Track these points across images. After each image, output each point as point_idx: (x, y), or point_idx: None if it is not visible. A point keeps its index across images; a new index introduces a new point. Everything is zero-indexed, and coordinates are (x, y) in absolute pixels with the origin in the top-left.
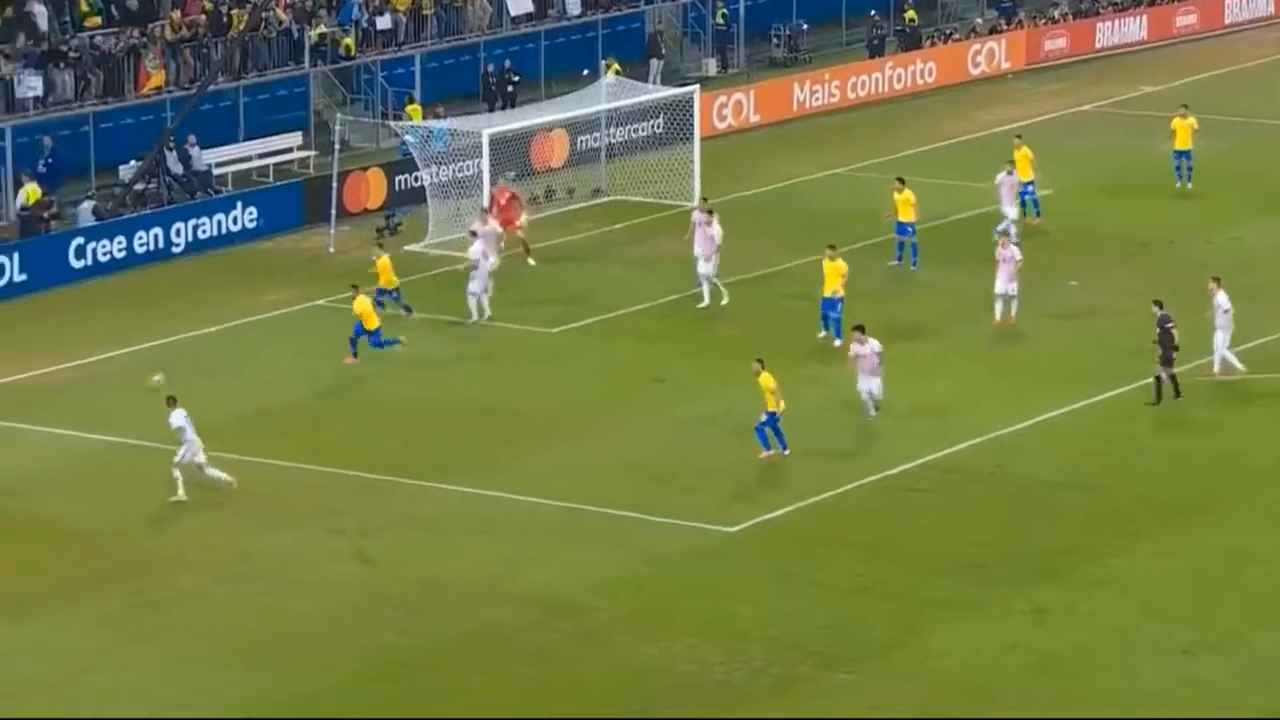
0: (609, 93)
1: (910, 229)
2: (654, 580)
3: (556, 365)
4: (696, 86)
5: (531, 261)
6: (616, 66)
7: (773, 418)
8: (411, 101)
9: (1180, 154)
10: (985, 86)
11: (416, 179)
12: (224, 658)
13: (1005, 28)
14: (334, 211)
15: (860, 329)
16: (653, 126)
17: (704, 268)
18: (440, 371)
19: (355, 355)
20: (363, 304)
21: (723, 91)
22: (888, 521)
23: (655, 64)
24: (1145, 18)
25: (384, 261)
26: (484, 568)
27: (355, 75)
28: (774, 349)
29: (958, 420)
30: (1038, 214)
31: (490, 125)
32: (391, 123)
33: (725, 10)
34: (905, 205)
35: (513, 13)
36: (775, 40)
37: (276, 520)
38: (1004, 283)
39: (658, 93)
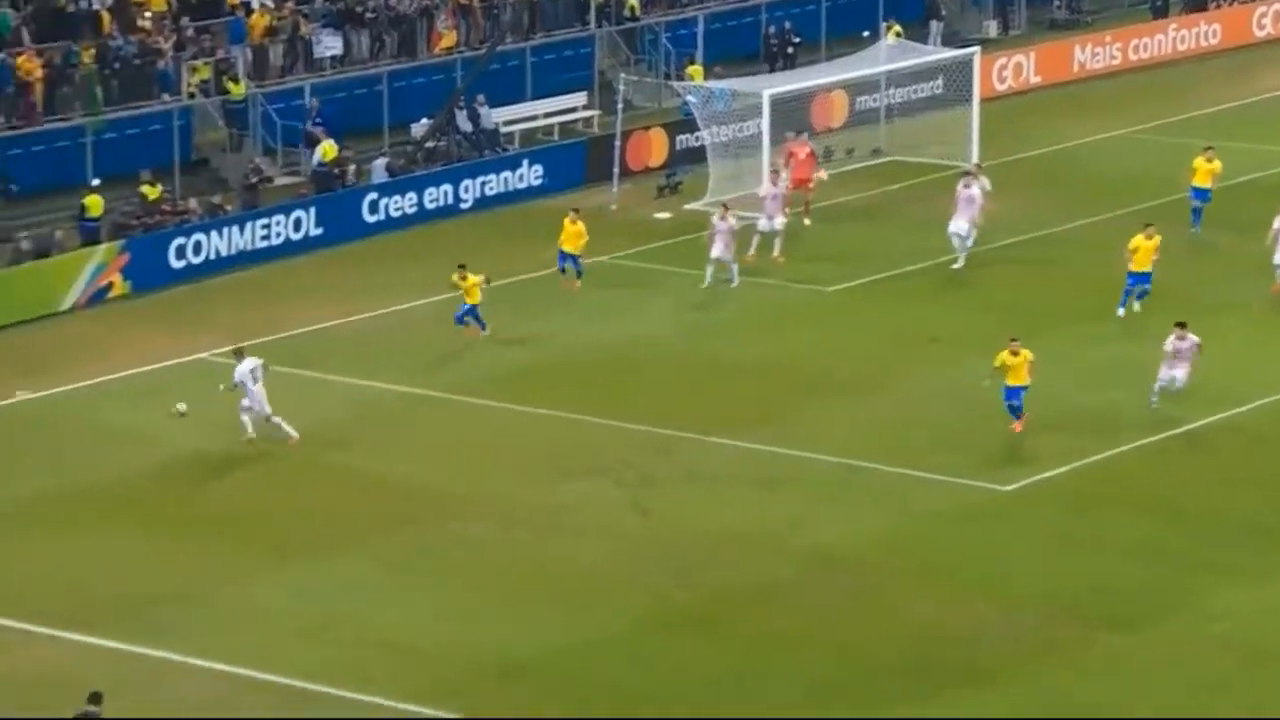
0: (889, 54)
1: (1208, 195)
2: (929, 537)
3: (833, 323)
4: (977, 48)
5: (808, 221)
6: (898, 29)
7: (1011, 392)
8: (693, 62)
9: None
10: (1271, 49)
11: (697, 138)
12: (501, 604)
13: None
14: (616, 170)
15: (1182, 325)
16: (932, 88)
17: (955, 226)
18: (722, 327)
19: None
20: (470, 282)
21: (1003, 53)
22: (1167, 483)
23: (935, 25)
24: None
25: (473, 280)
26: (762, 522)
27: (639, 36)
28: (1045, 313)
29: (1242, 380)
30: None
31: (771, 86)
32: (674, 83)
33: None
34: (1206, 174)
35: None
36: (1057, 2)
37: (559, 470)
38: None
39: (938, 54)
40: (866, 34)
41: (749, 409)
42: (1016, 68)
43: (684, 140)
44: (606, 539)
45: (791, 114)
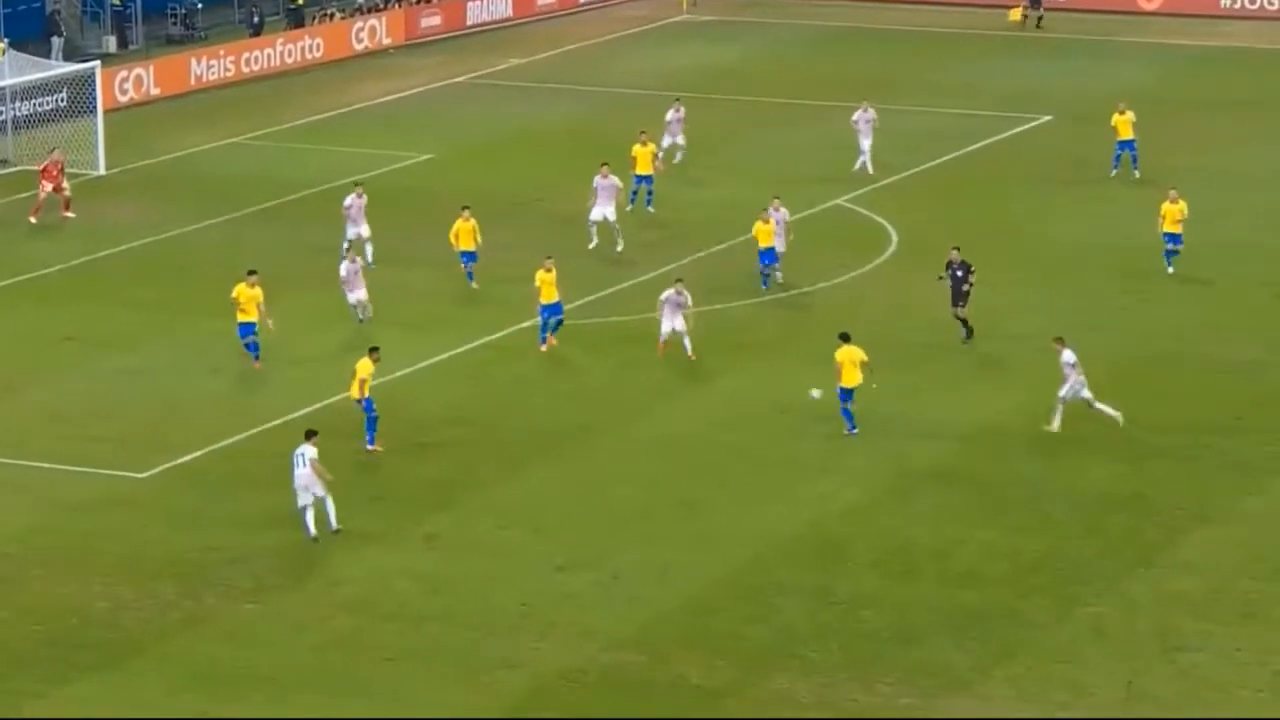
0: (12, 68)
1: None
2: (69, 526)
3: None
4: (97, 63)
5: (70, 214)
6: (2, 46)
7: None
8: None
9: (1123, 144)
10: (369, 61)
11: None
12: None
13: (384, 6)
14: None
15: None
16: (57, 100)
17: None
18: None
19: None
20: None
21: (124, 66)
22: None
23: (57, 41)
24: None
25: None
26: None
27: None
28: (181, 308)
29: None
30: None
31: None
32: None
33: None
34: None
35: None
36: (172, 18)
37: None
38: None
39: (60, 68)
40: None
41: None
42: (137, 80)
43: None
44: None
45: None
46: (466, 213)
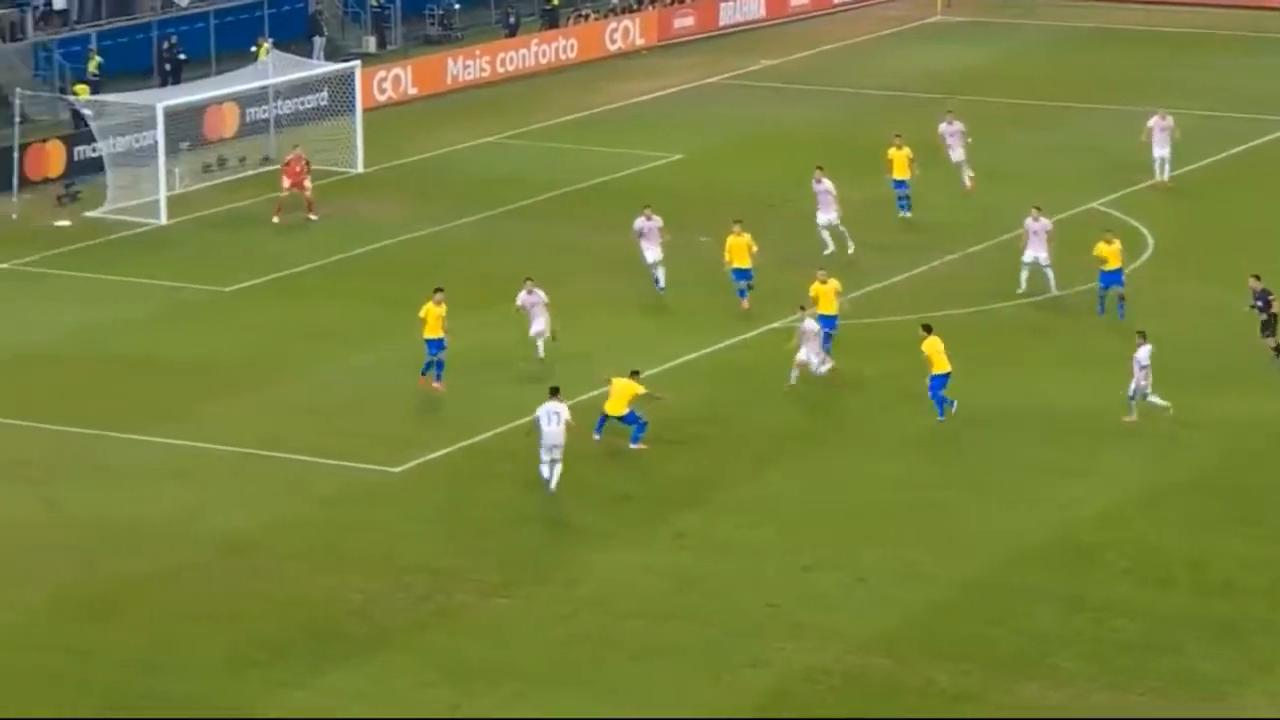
0: (275, 68)
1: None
2: (325, 519)
3: (232, 321)
4: (357, 62)
5: (314, 217)
6: (266, 46)
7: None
8: (81, 80)
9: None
10: (621, 61)
11: (95, 149)
12: None
13: (637, 8)
14: (15, 180)
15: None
16: (318, 99)
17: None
18: (124, 328)
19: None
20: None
21: (382, 66)
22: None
23: (318, 41)
24: None
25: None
26: (167, 512)
27: (33, 53)
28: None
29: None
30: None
31: (163, 99)
32: (70, 97)
33: None
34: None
35: (180, 4)
36: (430, 19)
37: None
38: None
39: (321, 68)
40: (253, 49)
41: (154, 404)
42: (395, 80)
43: (82, 151)
44: (11, 534)
45: (185, 125)
46: (738, 227)
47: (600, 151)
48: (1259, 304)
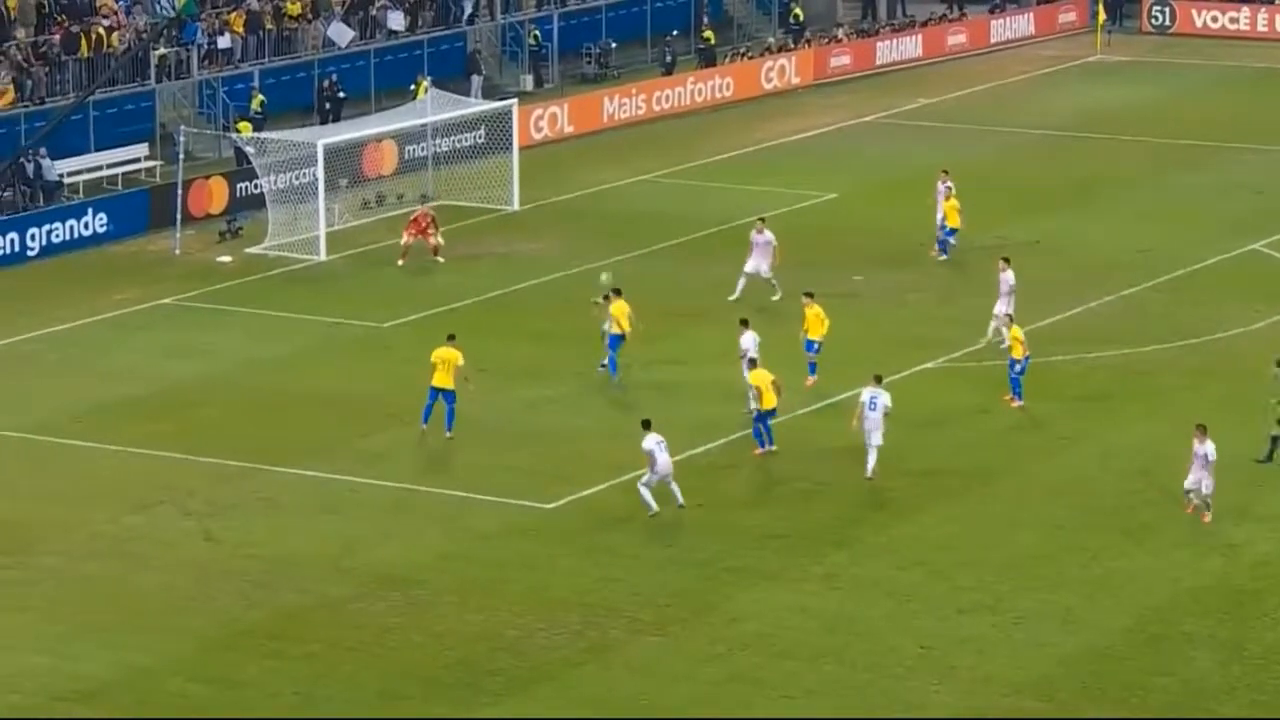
0: (434, 106)
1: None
2: (478, 555)
3: (390, 356)
4: (514, 100)
5: (440, 259)
6: (425, 84)
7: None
8: (243, 118)
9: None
10: (777, 100)
11: (257, 186)
12: (77, 631)
13: (794, 47)
14: (179, 216)
15: (1202, 428)
16: (475, 137)
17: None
18: (287, 363)
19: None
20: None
21: (539, 105)
22: (695, 496)
23: (476, 80)
24: (920, 37)
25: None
26: (323, 545)
27: (198, 90)
28: (590, 338)
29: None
30: None
31: (323, 136)
32: (231, 134)
33: (538, 31)
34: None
35: (339, 44)
36: (586, 58)
37: (131, 503)
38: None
39: (479, 106)
40: (412, 87)
41: (313, 439)
42: (551, 118)
43: (244, 188)
44: (176, 565)
45: (344, 162)
46: (809, 299)
47: (755, 190)
48: None
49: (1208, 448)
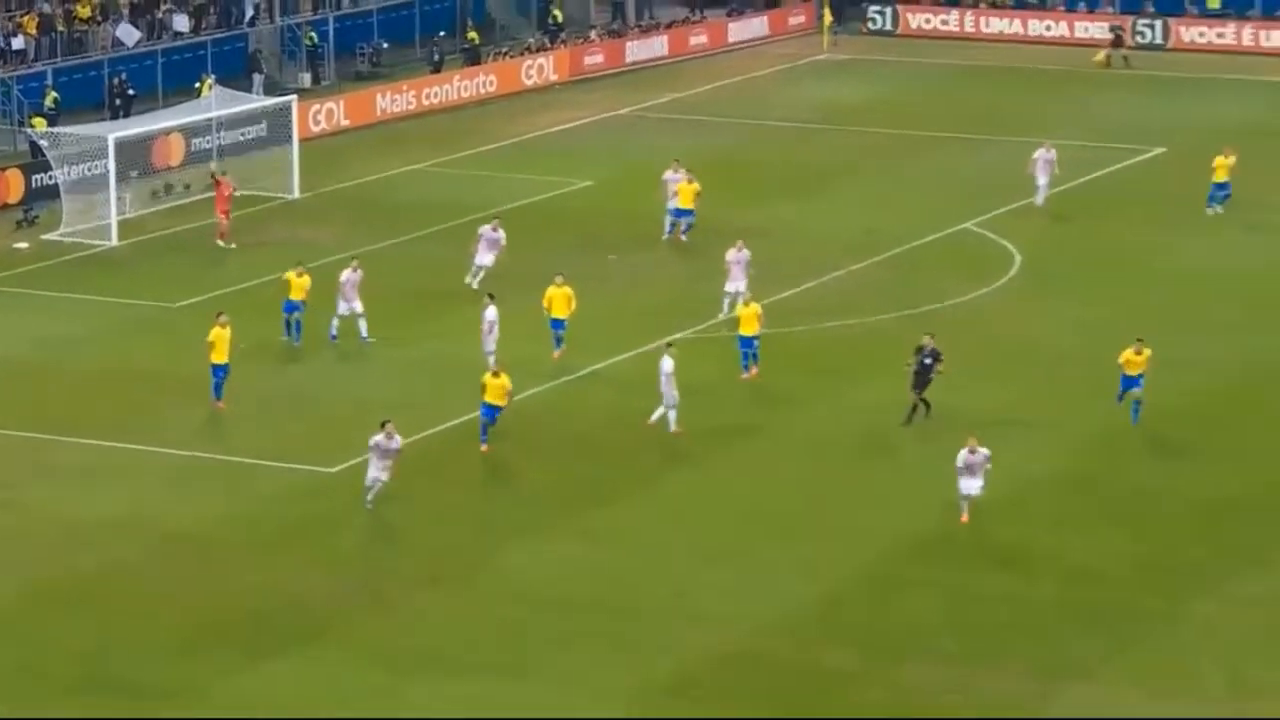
0: (218, 102)
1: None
2: (264, 516)
3: (179, 335)
4: (294, 97)
5: (227, 244)
6: (209, 82)
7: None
8: (38, 114)
9: (1219, 186)
10: (537, 96)
11: (51, 177)
12: None
13: (551, 46)
14: None
15: (975, 440)
16: (258, 130)
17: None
18: (80, 342)
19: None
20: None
21: (317, 100)
22: (469, 458)
23: (258, 78)
24: (666, 38)
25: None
26: (115, 510)
27: None
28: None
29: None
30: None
31: (114, 131)
32: (28, 129)
33: (314, 33)
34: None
35: (128, 45)
36: (360, 57)
37: None
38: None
39: (260, 102)
40: (197, 85)
41: (104, 411)
42: (329, 113)
43: (39, 179)
44: None
45: (134, 155)
46: (560, 279)
47: (518, 178)
48: (926, 360)
49: (979, 457)
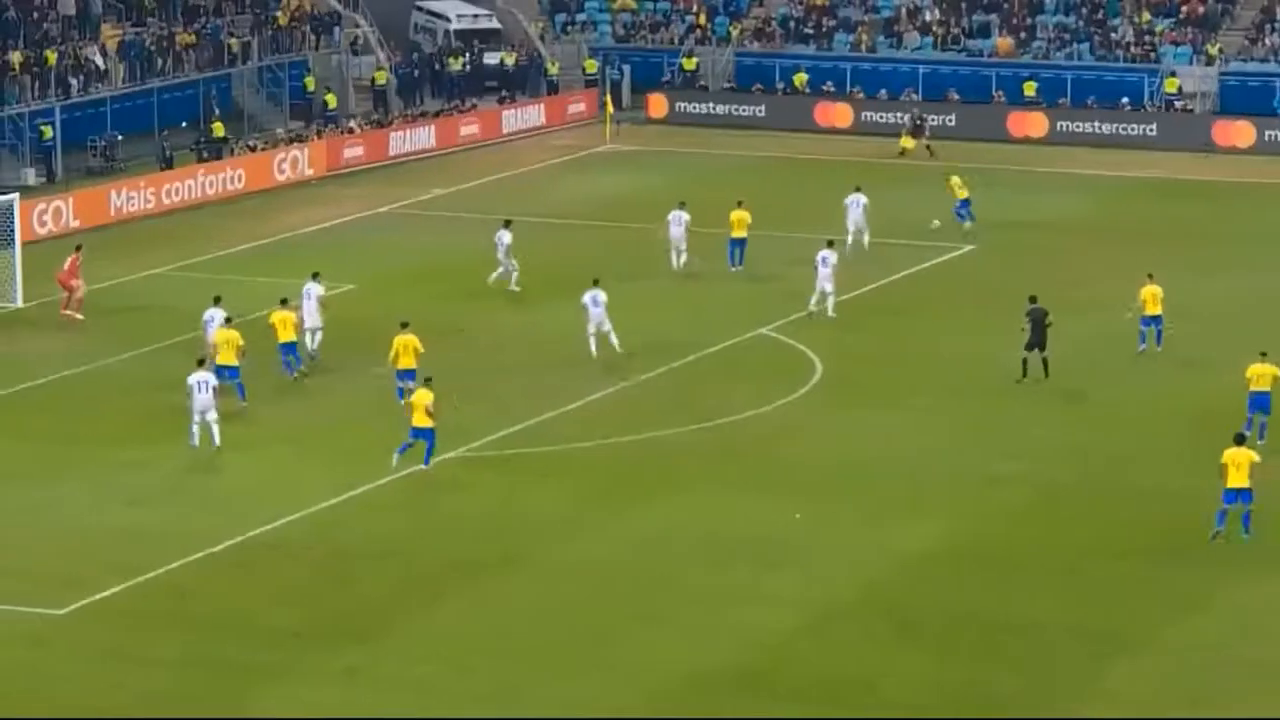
0: None
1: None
2: None
3: None
4: (16, 195)
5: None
6: None
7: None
8: None
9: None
10: (292, 191)
11: None
12: None
13: (304, 138)
14: None
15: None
16: None
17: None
18: None
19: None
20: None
21: (43, 199)
22: (213, 596)
23: None
24: (433, 128)
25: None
26: None
27: None
28: (88, 440)
29: (273, 500)
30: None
31: None
32: None
33: (46, 124)
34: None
35: None
36: (92, 151)
37: None
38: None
39: None
40: None
41: None
42: (56, 212)
43: None
44: None
45: None
46: (406, 330)
47: (271, 282)
48: (1038, 316)
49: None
